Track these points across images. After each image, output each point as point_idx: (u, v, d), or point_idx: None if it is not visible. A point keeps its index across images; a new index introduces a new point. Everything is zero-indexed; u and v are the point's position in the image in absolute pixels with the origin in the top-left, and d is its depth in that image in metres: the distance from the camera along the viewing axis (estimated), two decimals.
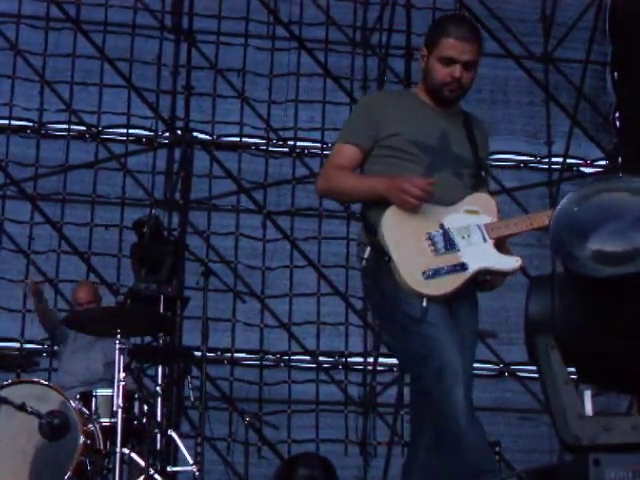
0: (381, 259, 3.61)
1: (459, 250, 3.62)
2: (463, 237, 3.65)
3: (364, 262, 3.68)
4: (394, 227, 3.63)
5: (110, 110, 9.88)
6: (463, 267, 3.60)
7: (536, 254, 9.68)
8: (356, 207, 4.02)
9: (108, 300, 8.87)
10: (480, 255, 3.64)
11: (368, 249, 3.67)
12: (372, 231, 3.67)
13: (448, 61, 3.74)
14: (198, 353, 7.34)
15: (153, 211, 8.60)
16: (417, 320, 3.55)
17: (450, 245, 3.62)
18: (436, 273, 3.56)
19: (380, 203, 3.68)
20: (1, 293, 9.36)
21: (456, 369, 3.51)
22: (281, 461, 8.48)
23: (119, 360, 5.57)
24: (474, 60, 3.78)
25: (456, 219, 3.68)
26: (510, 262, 3.70)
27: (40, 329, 7.50)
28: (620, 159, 10.33)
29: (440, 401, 3.51)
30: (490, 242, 3.67)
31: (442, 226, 3.65)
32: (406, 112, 3.84)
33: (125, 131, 9.90)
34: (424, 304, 3.53)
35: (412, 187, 3.59)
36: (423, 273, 3.55)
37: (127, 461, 5.83)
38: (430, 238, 3.62)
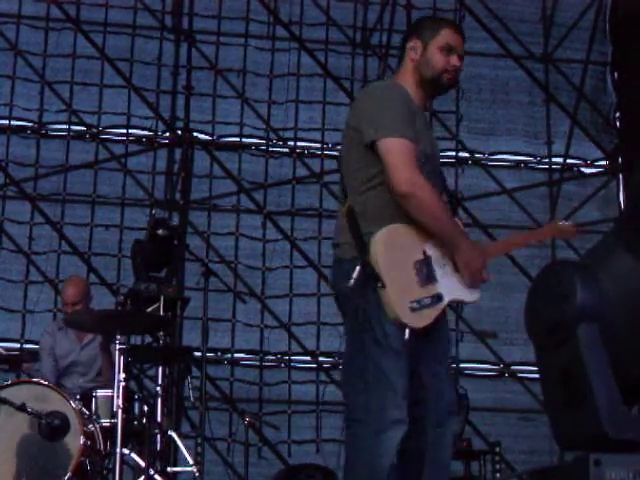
0: (372, 283, 3.57)
1: (437, 281, 3.65)
2: (440, 266, 3.68)
3: (351, 282, 3.58)
4: (387, 252, 3.60)
5: (110, 110, 9.87)
6: (439, 299, 3.65)
7: (536, 254, 9.68)
8: None
9: (108, 300, 8.88)
10: (452, 286, 3.69)
11: (358, 269, 3.60)
12: (365, 250, 3.59)
13: (449, 50, 3.81)
14: (198, 353, 7.34)
15: (154, 212, 8.57)
16: (382, 348, 3.55)
17: (431, 276, 3.65)
18: (420, 305, 3.60)
19: (390, 219, 3.60)
20: (1, 293, 9.36)
21: (397, 417, 3.51)
22: (281, 469, 8.43)
23: (119, 360, 5.56)
24: (463, 55, 3.89)
25: (435, 245, 3.68)
26: (473, 295, 3.75)
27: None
28: (620, 159, 10.33)
29: (371, 443, 3.50)
30: (458, 273, 3.72)
31: (425, 253, 3.66)
32: (412, 113, 3.75)
33: (125, 131, 9.89)
34: (406, 336, 3.56)
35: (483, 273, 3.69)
36: (410, 304, 3.58)
37: (129, 462, 5.82)
38: (416, 267, 3.63)
